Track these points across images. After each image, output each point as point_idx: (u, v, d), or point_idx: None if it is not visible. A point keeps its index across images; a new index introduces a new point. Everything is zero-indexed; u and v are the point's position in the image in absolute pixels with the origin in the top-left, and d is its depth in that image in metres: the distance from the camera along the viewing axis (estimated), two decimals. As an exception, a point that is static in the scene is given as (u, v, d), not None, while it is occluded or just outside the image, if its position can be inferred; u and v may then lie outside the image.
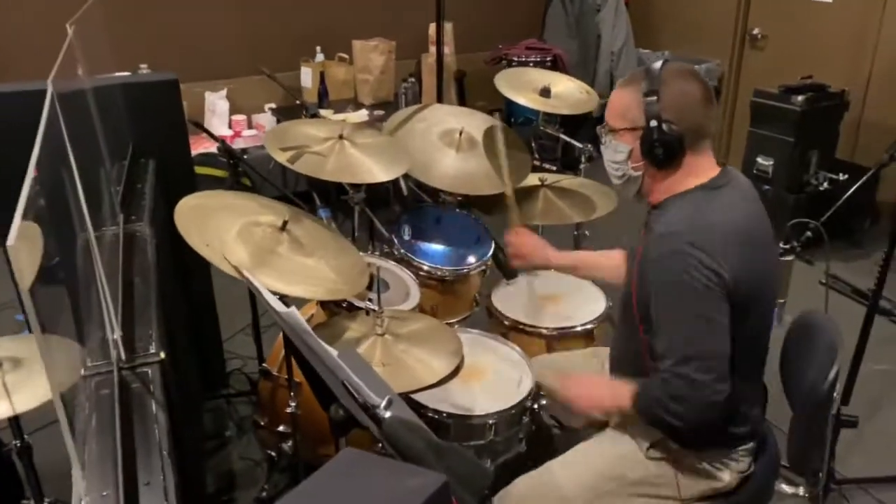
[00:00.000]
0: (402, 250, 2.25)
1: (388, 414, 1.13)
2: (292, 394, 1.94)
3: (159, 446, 1.15)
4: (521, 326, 2.27)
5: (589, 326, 2.27)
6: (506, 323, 2.29)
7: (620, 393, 1.51)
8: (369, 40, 4.25)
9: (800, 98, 3.67)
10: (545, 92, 2.58)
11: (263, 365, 2.27)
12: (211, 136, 2.46)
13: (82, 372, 1.32)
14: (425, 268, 2.29)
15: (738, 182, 1.51)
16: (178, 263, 2.40)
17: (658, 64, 1.50)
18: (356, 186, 2.27)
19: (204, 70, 4.22)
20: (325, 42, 4.51)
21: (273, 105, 4.39)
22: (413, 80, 3.93)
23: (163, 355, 1.40)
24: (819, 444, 1.57)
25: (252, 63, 4.43)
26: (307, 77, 4.32)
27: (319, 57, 4.49)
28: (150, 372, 1.33)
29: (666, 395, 1.39)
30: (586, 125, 4.42)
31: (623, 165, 1.54)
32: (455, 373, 1.64)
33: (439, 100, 2.80)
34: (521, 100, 2.58)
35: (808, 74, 3.87)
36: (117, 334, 1.37)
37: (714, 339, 1.36)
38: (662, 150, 1.45)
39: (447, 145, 2.44)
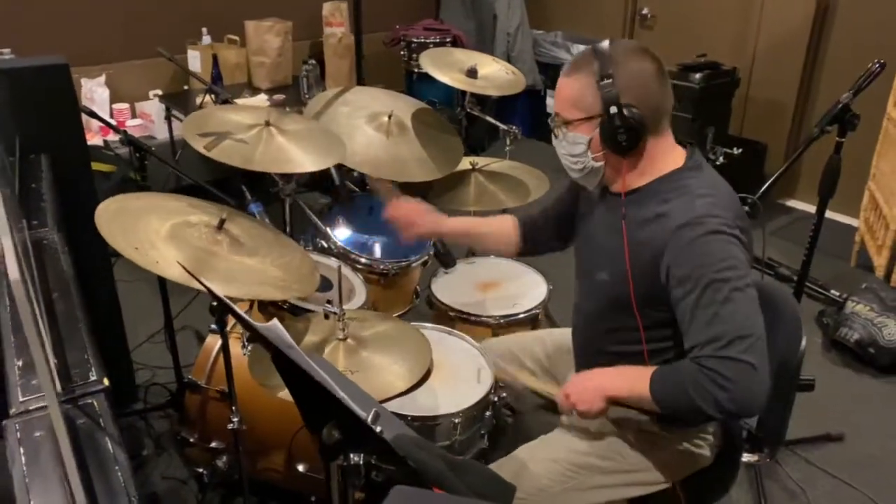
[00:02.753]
0: (339, 244, 2.11)
1: (378, 429, 1.03)
2: (234, 408, 1.78)
3: (126, 493, 0.98)
4: (465, 316, 2.19)
5: (535, 312, 2.23)
6: (450, 314, 2.21)
7: (637, 377, 1.38)
8: (263, 21, 3.99)
9: (697, 76, 3.80)
10: (472, 73, 2.49)
11: (189, 377, 2.07)
12: (110, 126, 2.20)
13: (12, 410, 1.12)
14: (364, 261, 2.16)
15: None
16: (77, 270, 2.14)
17: (605, 44, 1.41)
18: (286, 177, 2.10)
19: (78, 54, 3.81)
20: (212, 23, 4.21)
21: (159, 91, 4.05)
22: (314, 62, 3.73)
23: (106, 382, 1.21)
24: (786, 412, 1.60)
25: (131, 46, 4.07)
26: (195, 61, 4.01)
27: (206, 39, 4.18)
28: (95, 403, 1.14)
29: (708, 380, 1.26)
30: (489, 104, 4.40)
31: (583, 158, 1.44)
32: (426, 377, 1.53)
33: (360, 82, 2.65)
34: (447, 80, 2.48)
35: (701, 53, 4.02)
36: (51, 361, 1.16)
37: (756, 319, 1.29)
38: (626, 136, 1.37)
39: (376, 130, 2.31)
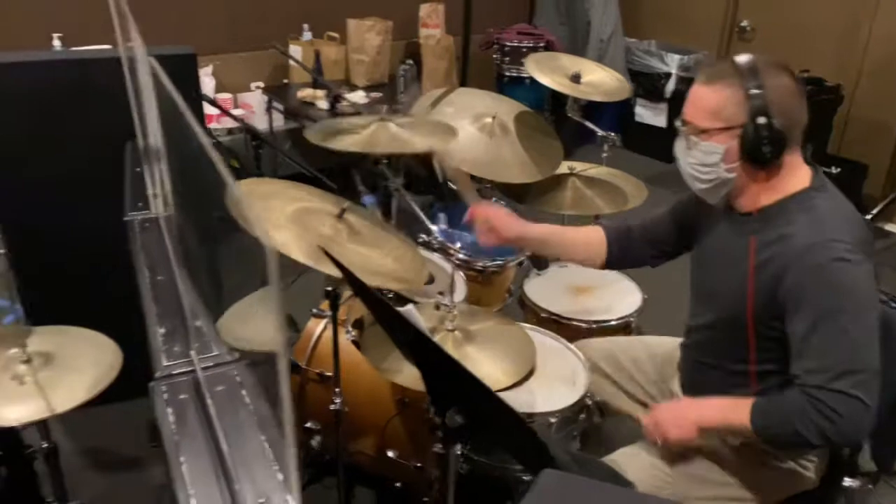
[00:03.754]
0: (440, 239, 2.16)
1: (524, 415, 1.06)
2: (338, 390, 1.86)
3: (266, 458, 1.04)
4: (556, 319, 2.21)
5: (628, 320, 2.23)
6: (542, 315, 2.23)
7: (733, 408, 1.40)
8: (364, 19, 4.10)
9: (799, 91, 3.70)
10: (576, 78, 2.51)
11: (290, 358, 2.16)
12: (230, 115, 2.31)
13: (158, 373, 1.21)
14: (461, 257, 2.21)
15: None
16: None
17: (745, 58, 1.41)
18: (395, 171, 2.17)
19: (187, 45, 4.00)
20: (313, 20, 4.34)
21: (261, 84, 4.20)
22: (411, 62, 3.81)
23: (237, 354, 1.29)
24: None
25: (237, 39, 4.24)
26: (297, 56, 4.15)
27: (307, 35, 4.31)
28: (235, 372, 1.21)
29: (815, 411, 1.27)
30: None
31: (715, 168, 1.43)
32: (529, 375, 1.56)
33: (463, 83, 2.70)
34: (551, 83, 2.50)
35: (804, 69, 3.91)
36: (192, 331, 1.25)
37: (873, 353, 1.28)
38: (770, 148, 1.36)
39: (479, 130, 2.35)
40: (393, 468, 2.05)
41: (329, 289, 1.65)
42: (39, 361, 1.60)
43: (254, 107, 4.05)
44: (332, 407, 1.86)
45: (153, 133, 1.73)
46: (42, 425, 1.69)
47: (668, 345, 1.85)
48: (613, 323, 2.22)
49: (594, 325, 2.20)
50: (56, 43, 3.80)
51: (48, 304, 1.93)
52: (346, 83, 4.19)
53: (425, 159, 2.63)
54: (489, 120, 2.36)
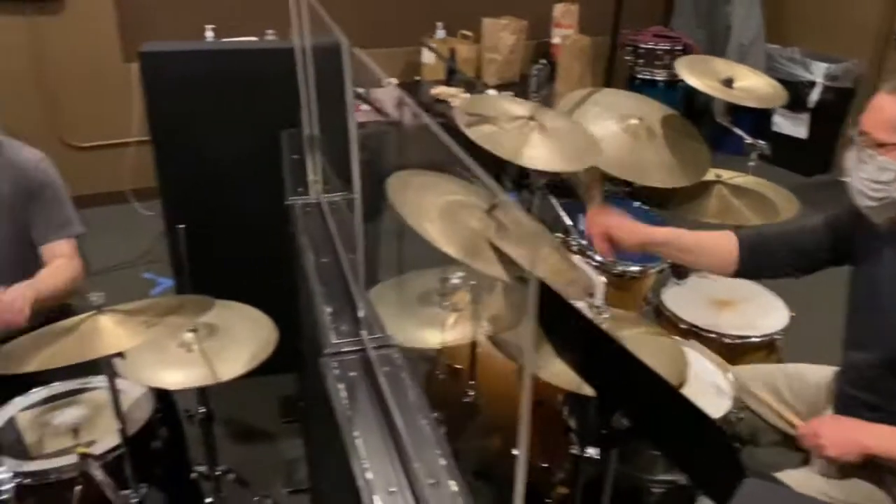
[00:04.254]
0: (579, 241, 2.14)
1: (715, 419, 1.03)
2: (473, 382, 1.88)
3: (435, 440, 1.06)
4: (696, 331, 2.14)
5: (773, 337, 2.13)
6: (680, 326, 2.16)
7: None
8: (499, 18, 4.12)
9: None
10: (728, 82, 2.42)
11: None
12: (374, 108, 2.38)
13: (327, 350, 1.25)
14: (599, 260, 2.17)
15: None
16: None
17: None
18: (541, 171, 2.16)
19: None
20: (448, 18, 4.40)
21: (393, 80, 4.30)
22: (545, 61, 3.79)
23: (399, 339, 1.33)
24: None
25: (373, 35, 4.36)
26: (429, 54, 4.22)
27: (441, 34, 4.38)
28: (396, 355, 1.24)
29: None
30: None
31: (887, 187, 1.35)
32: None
33: (608, 84, 2.66)
34: (703, 87, 2.42)
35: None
36: (361, 312, 1.29)
37: None
38: None
39: (624, 131, 2.31)
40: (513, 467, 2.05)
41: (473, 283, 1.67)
42: (204, 332, 1.71)
43: (386, 101, 4.14)
44: (465, 400, 1.88)
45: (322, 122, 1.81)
46: (201, 392, 1.79)
47: (821, 373, 1.75)
48: (756, 340, 2.13)
49: (736, 341, 2.11)
50: (209, 34, 4.04)
51: (207, 280, 2.04)
52: (477, 81, 4.23)
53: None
54: (635, 121, 2.31)
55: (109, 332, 1.30)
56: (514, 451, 2.16)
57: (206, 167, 2.37)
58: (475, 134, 1.96)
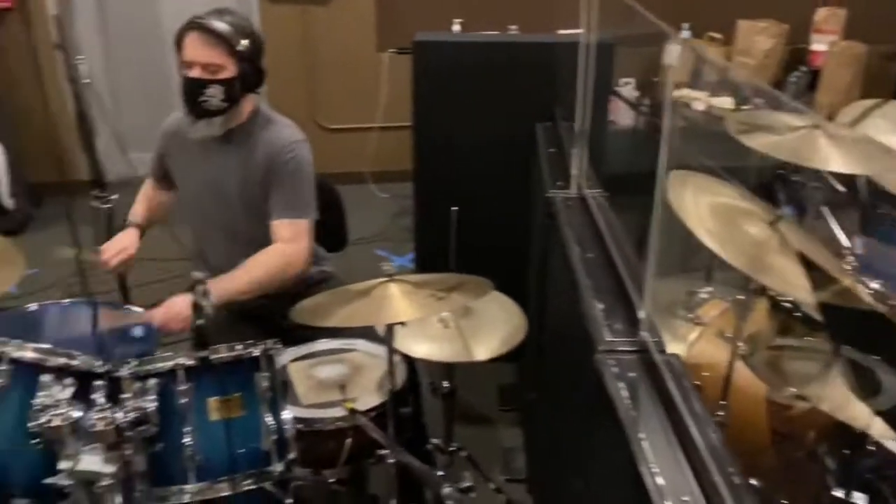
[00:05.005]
0: (856, 264, 1.94)
1: None
2: (724, 402, 1.77)
3: (732, 460, 1.01)
4: None
5: None
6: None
7: None
8: (758, 21, 3.86)
9: None
10: None
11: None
12: (634, 107, 2.32)
13: (601, 347, 1.24)
14: (876, 287, 1.96)
15: None
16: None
17: None
18: (816, 180, 2.00)
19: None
20: (696, 19, 4.20)
21: (630, 80, 4.20)
22: (805, 69, 3.49)
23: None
24: None
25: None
26: (674, 54, 4.06)
27: (686, 34, 4.19)
28: (677, 363, 1.20)
29: None
30: None
31: None
32: None
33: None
34: None
35: None
36: (644, 313, 1.26)
37: None
38: None
39: (917, 151, 2.06)
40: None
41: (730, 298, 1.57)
42: (461, 311, 1.77)
43: (620, 102, 4.06)
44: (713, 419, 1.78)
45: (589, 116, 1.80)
46: (449, 367, 1.86)
47: None
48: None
49: None
50: (456, 28, 4.20)
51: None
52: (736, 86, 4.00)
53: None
54: (932, 140, 2.05)
55: (398, 300, 1.39)
56: (752, 481, 2.03)
57: (460, 154, 2.46)
58: (752, 141, 1.85)
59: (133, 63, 4.29)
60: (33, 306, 1.82)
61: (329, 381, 1.74)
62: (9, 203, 3.83)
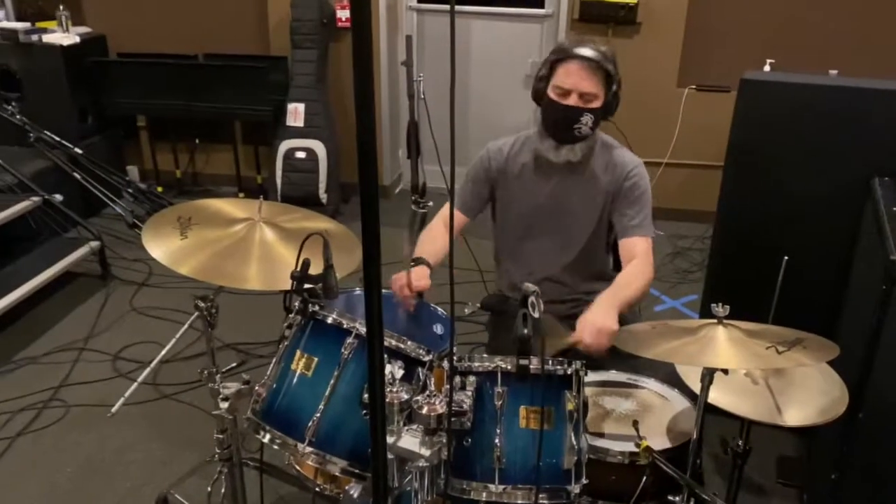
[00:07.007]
0: None
1: None
2: None
3: None
4: None
5: None
6: None
7: None
8: None
9: None
10: None
11: None
12: None
13: None
14: None
15: None
16: None
17: None
18: None
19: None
20: None
21: None
22: None
23: None
24: None
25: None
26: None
27: None
28: None
29: None
30: None
31: None
32: None
33: None
34: None
35: None
36: None
37: None
38: None
39: None
40: None
41: None
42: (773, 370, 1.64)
43: None
44: None
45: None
46: (748, 426, 1.73)
47: None
48: None
49: None
50: (766, 68, 3.97)
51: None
52: None
53: None
54: None
55: (724, 345, 1.33)
56: None
57: (774, 200, 2.30)
58: None
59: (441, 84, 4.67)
60: (357, 290, 2.02)
61: (616, 413, 1.72)
62: (323, 197, 4.34)
